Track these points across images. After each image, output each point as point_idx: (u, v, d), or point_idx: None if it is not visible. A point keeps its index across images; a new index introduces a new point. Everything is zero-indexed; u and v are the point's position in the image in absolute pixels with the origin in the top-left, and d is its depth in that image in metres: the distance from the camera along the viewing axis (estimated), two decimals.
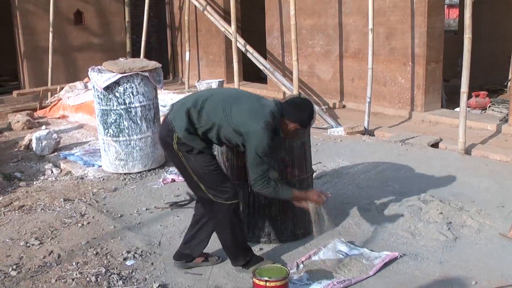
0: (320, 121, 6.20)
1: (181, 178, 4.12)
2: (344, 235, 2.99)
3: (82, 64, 7.72)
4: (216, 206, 2.48)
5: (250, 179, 2.36)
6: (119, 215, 3.45)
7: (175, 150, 2.46)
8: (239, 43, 7.39)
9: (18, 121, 6.05)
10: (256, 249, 2.84)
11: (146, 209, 3.55)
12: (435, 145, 5.00)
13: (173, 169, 4.41)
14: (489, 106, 6.11)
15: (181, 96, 7.58)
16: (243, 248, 2.60)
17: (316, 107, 6.31)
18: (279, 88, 7.17)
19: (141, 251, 2.88)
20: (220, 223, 2.54)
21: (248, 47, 7.35)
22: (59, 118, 6.50)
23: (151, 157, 4.44)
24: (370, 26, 5.50)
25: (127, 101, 4.19)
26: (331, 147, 5.07)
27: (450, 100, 6.55)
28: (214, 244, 2.78)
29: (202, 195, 2.49)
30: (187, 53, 8.83)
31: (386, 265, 2.63)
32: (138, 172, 4.37)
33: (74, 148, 5.13)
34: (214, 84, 7.44)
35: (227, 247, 2.61)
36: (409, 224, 3.10)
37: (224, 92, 2.50)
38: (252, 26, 8.78)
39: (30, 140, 5.11)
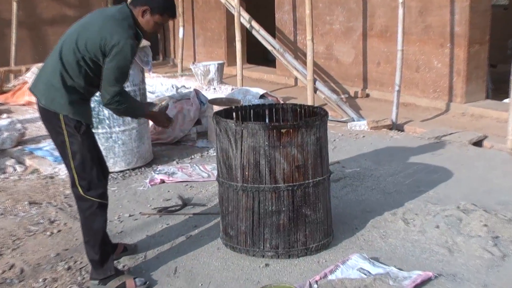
0: (339, 112, 6.19)
1: (172, 178, 4.17)
2: (366, 250, 2.96)
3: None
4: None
5: (105, 98, 2.50)
6: None
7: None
8: (243, 18, 7.36)
9: None
10: (261, 265, 2.82)
11: (130, 216, 3.55)
12: (478, 143, 4.95)
13: (163, 167, 4.42)
14: None
15: (173, 80, 7.71)
16: (106, 259, 2.64)
17: (333, 96, 6.30)
18: (290, 72, 7.14)
19: (123, 266, 2.87)
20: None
21: (254, 23, 7.31)
22: (24, 105, 6.49)
23: (136, 153, 4.45)
24: None
25: None
26: (351, 144, 5.06)
27: (497, 89, 6.48)
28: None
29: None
30: (181, 30, 8.80)
31: (417, 287, 2.60)
32: (120, 171, 4.38)
33: (43, 141, 5.13)
34: (212, 67, 7.44)
35: (90, 253, 2.63)
36: (445, 238, 3.06)
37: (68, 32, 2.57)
38: None
39: None
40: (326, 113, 2.99)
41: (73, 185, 2.58)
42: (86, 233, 2.62)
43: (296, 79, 7.66)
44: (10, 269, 2.88)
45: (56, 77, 2.47)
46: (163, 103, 2.83)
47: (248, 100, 5.97)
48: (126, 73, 2.49)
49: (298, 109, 3.24)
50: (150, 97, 5.76)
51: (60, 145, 2.55)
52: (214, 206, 3.61)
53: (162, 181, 4.15)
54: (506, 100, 5.61)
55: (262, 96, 6.25)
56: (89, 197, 2.56)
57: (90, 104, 2.62)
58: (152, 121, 2.80)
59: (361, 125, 5.57)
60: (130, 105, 2.57)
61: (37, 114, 2.87)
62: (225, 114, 3.12)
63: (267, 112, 3.29)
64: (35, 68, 6.63)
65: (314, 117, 2.98)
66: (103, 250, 2.62)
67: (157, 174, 4.26)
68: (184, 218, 3.46)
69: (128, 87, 4.26)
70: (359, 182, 4.00)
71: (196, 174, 4.27)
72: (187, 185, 4.09)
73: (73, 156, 2.52)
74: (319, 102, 6.35)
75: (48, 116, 2.53)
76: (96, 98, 3.72)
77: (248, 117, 3.24)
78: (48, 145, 4.90)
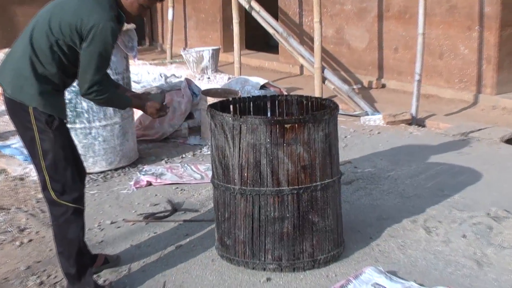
0: (351, 105, 6.19)
1: (160, 180, 4.17)
2: (382, 263, 2.96)
3: (23, 22, 7.66)
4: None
5: (83, 87, 2.50)
6: None
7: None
8: None
9: None
10: (262, 279, 2.82)
11: (112, 223, 3.55)
12: (510, 140, 4.94)
13: (149, 168, 4.42)
14: None
15: (161, 68, 7.71)
16: (83, 273, 2.64)
17: (344, 87, 6.30)
18: (295, 59, 7.14)
19: (104, 280, 2.87)
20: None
21: (254, 3, 7.29)
22: None
23: (119, 152, 4.45)
24: None
25: None
26: (365, 141, 5.06)
27: None
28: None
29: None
30: (170, 11, 8.78)
31: None
32: (101, 172, 4.39)
33: (11, 137, 5.13)
34: (206, 53, 7.44)
35: (65, 266, 2.63)
36: (473, 250, 3.06)
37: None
38: None
39: None
40: (336, 106, 2.99)
41: (44, 188, 2.56)
42: (59, 243, 2.61)
43: (301, 67, 7.65)
44: None
45: (25, 64, 2.45)
46: (153, 92, 2.84)
47: (247, 91, 5.97)
48: (106, 59, 2.47)
49: (304, 102, 3.24)
50: (135, 87, 5.76)
51: (29, 142, 2.53)
52: (208, 212, 3.61)
53: (149, 183, 4.15)
54: None
55: (263, 87, 6.25)
56: (62, 202, 2.54)
57: (64, 96, 2.61)
58: (142, 110, 2.77)
59: (376, 119, 5.57)
60: (111, 95, 2.56)
61: (3, 107, 2.86)
62: (221, 107, 3.11)
63: (268, 104, 3.28)
64: (1, 54, 6.63)
65: (322, 110, 2.98)
66: (80, 262, 2.61)
67: (143, 175, 4.26)
68: (174, 225, 3.46)
69: (110, 75, 4.26)
70: (374, 185, 4.00)
71: (188, 176, 4.27)
72: (177, 188, 4.09)
73: (44, 155, 2.49)
74: (328, 94, 6.35)
75: (15, 108, 2.50)
76: (73, 88, 3.73)
77: (247, 111, 3.24)
78: (17, 142, 4.89)
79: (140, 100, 2.78)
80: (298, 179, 2.78)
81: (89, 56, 2.43)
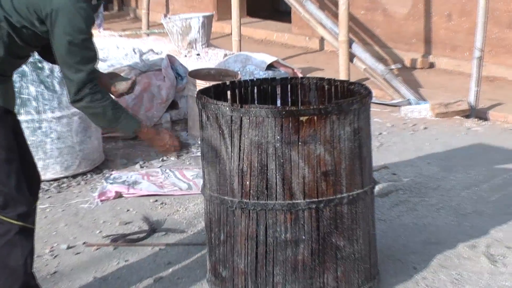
0: (388, 91, 6.19)
1: (133, 190, 4.18)
2: None
3: None
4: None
5: (71, 91, 2.52)
6: None
7: None
8: None
9: None
10: None
11: (69, 248, 3.56)
12: None
13: (119, 174, 4.43)
14: None
15: (135, 42, 7.69)
16: None
17: (379, 67, 6.30)
18: (313, 30, 7.14)
19: None
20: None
21: None
22: None
23: (79, 153, 4.48)
24: None
25: None
26: (407, 139, 5.07)
27: None
28: None
29: None
30: None
31: None
32: (55, 180, 4.41)
33: None
34: (194, 21, 7.43)
35: None
36: None
37: None
38: None
39: None
40: (369, 93, 2.99)
41: None
42: None
43: (321, 40, 7.66)
44: None
45: None
46: (122, 77, 2.84)
47: (249, 72, 5.97)
48: (89, 49, 2.49)
49: (326, 86, 3.24)
50: (101, 67, 5.77)
51: None
52: (198, 233, 3.63)
53: (119, 195, 4.16)
54: None
55: (270, 67, 6.25)
56: (4, 218, 2.55)
57: (11, 82, 2.63)
58: (147, 139, 2.79)
59: (422, 110, 5.56)
60: (115, 106, 2.57)
61: None
62: (215, 93, 3.12)
63: (278, 90, 3.29)
64: None
65: (350, 98, 2.98)
66: None
67: (111, 184, 4.27)
68: (152, 251, 3.47)
69: None
70: (419, 198, 4.00)
71: (171, 185, 4.29)
72: (156, 200, 4.10)
73: None
74: (357, 76, 6.35)
75: None
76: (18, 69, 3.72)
77: (251, 98, 3.24)
78: None
79: (150, 129, 2.80)
80: (317, 189, 2.78)
81: (64, 49, 2.45)
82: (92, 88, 2.50)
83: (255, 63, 6.21)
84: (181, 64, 5.82)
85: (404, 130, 5.26)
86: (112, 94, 2.76)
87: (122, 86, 2.82)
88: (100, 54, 6.35)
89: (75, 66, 2.47)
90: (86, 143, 4.50)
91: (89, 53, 2.50)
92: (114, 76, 2.90)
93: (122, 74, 2.95)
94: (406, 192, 4.09)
